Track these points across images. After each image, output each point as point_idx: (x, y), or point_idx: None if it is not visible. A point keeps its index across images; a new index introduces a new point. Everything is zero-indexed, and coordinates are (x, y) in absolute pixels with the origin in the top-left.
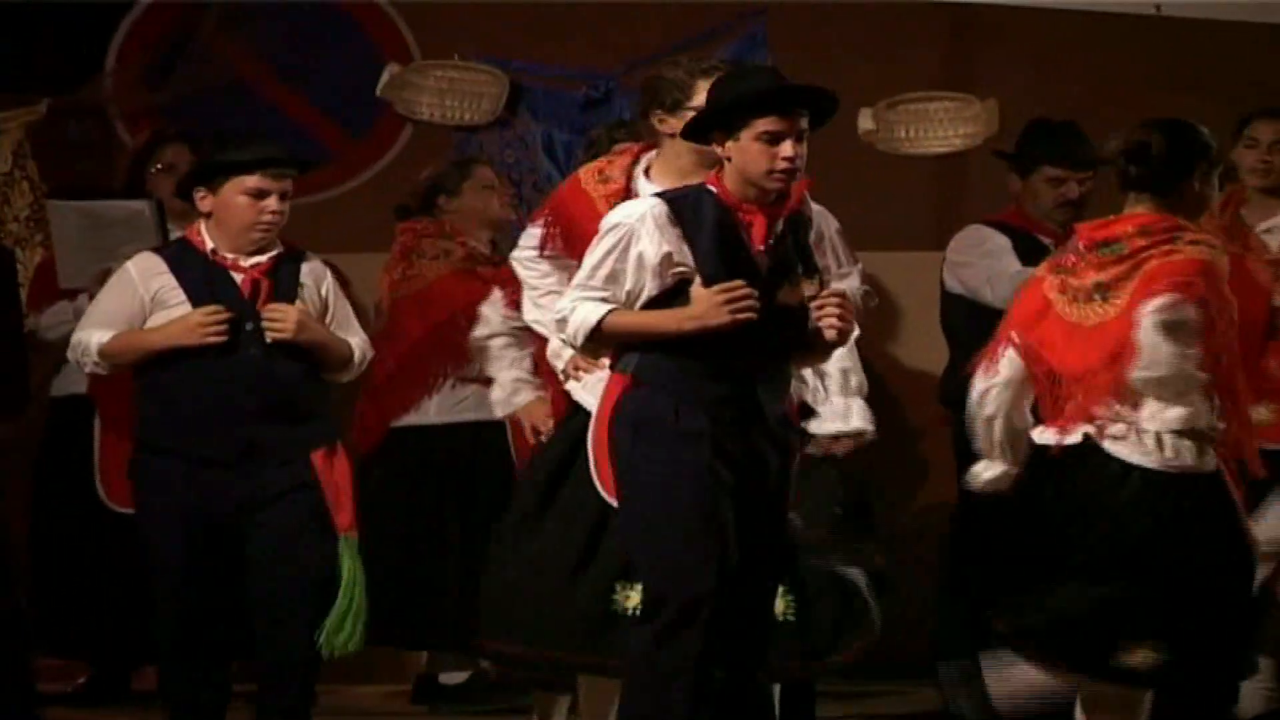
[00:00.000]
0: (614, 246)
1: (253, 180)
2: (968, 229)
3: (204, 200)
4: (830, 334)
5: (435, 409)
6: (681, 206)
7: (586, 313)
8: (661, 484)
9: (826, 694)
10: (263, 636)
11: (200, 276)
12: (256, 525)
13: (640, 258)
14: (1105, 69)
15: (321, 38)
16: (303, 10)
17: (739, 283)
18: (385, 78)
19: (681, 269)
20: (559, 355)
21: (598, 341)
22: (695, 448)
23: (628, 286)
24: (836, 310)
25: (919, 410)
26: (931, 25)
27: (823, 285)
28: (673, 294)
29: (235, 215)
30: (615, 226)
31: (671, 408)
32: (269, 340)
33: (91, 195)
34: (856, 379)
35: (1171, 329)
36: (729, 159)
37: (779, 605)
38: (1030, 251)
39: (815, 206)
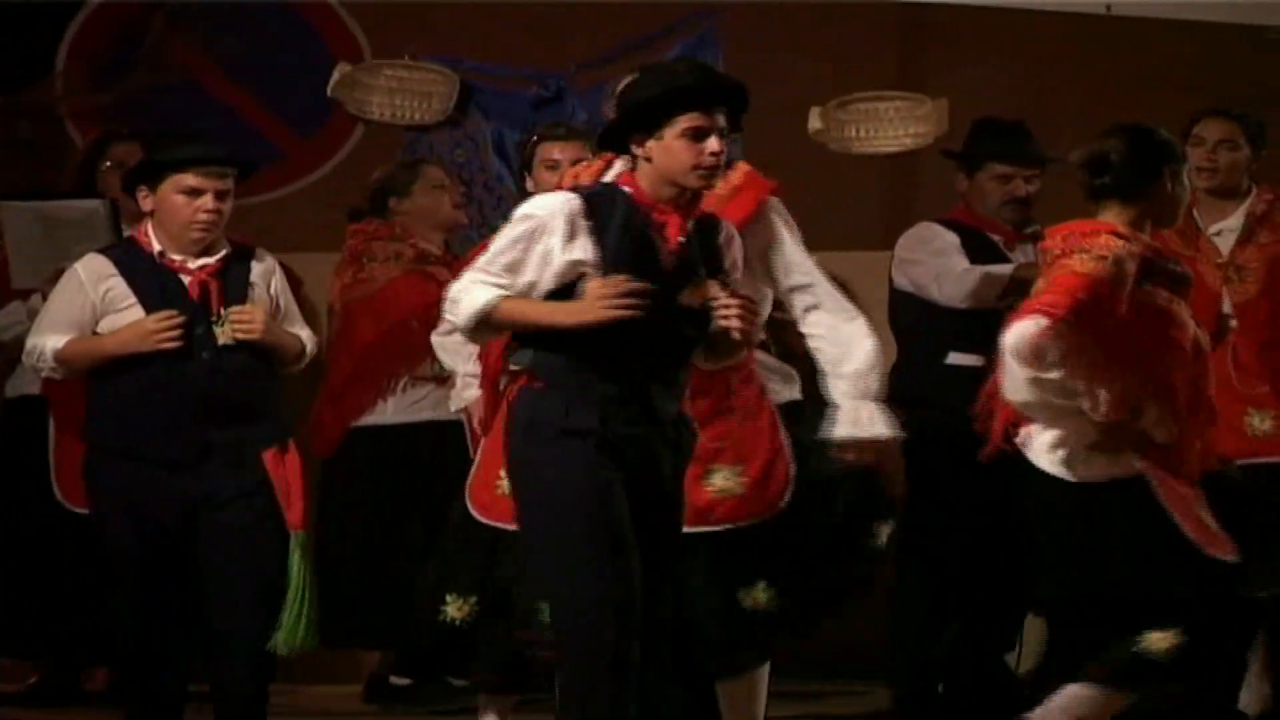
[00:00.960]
0: (521, 237)
1: (189, 178)
2: (917, 227)
3: (146, 199)
4: (735, 335)
5: (393, 409)
6: (596, 203)
7: (479, 296)
8: (551, 484)
9: (781, 694)
10: (216, 637)
11: (150, 279)
12: (209, 527)
13: (547, 252)
14: (1056, 68)
15: (272, 37)
16: (254, 10)
17: (622, 279)
18: (336, 77)
19: (585, 265)
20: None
21: (485, 326)
22: (583, 447)
23: (529, 278)
24: (738, 312)
25: None
26: (883, 25)
27: (726, 287)
28: (571, 289)
29: (173, 214)
30: (527, 217)
31: (562, 406)
32: (235, 341)
33: (44, 195)
34: (874, 383)
35: (1021, 355)
36: (648, 159)
37: (761, 598)
38: (980, 249)
39: (779, 216)
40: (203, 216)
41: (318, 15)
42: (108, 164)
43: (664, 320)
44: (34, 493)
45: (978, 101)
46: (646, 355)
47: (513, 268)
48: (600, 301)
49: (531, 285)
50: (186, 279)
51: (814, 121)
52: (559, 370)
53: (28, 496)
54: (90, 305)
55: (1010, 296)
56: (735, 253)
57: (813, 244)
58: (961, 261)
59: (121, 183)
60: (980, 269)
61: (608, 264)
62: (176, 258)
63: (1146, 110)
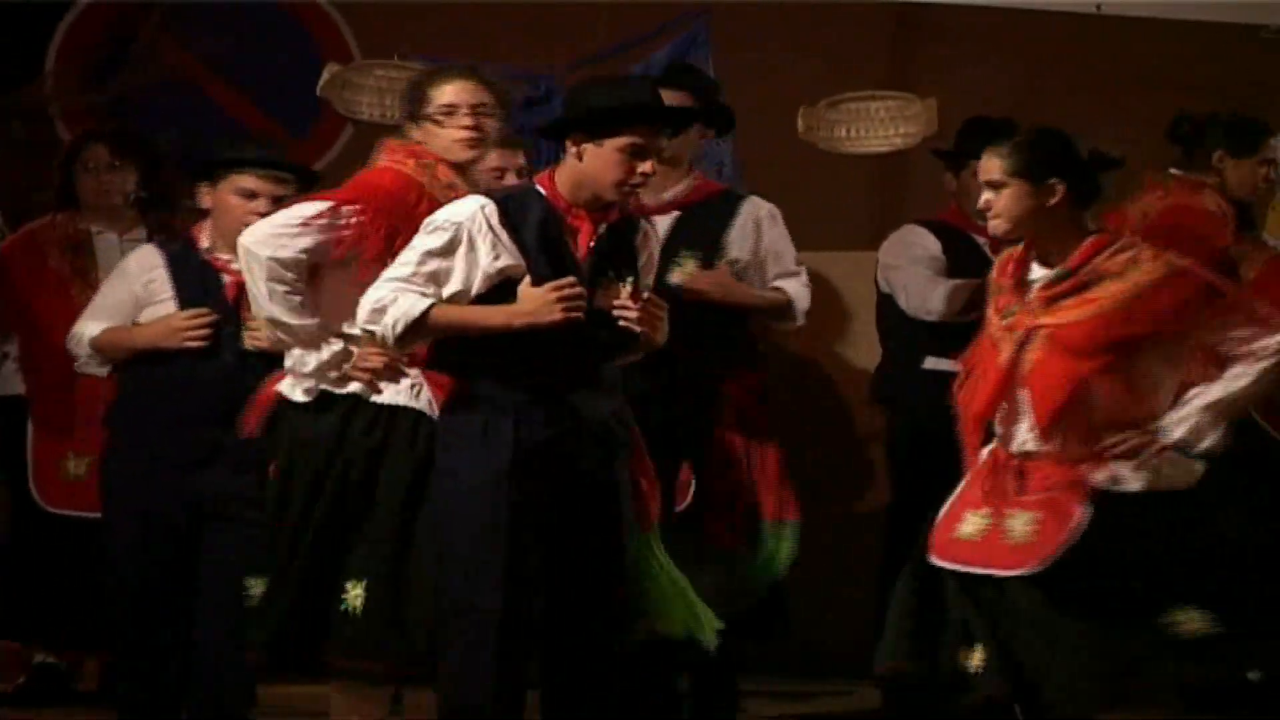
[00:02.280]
0: (442, 247)
1: (247, 180)
2: (901, 230)
3: (205, 196)
4: (644, 337)
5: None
6: (510, 206)
7: (410, 304)
8: (462, 490)
9: (767, 694)
10: (199, 642)
11: (194, 275)
12: (211, 530)
13: (472, 258)
14: (1047, 68)
15: (263, 37)
16: (244, 10)
17: (571, 280)
18: (326, 77)
19: (510, 270)
20: (305, 362)
21: (416, 335)
22: (496, 454)
23: (457, 287)
24: (636, 315)
25: (861, 411)
26: (874, 24)
27: (636, 290)
28: (497, 293)
29: (226, 212)
30: (443, 226)
31: (479, 412)
32: (246, 347)
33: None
34: None
35: None
36: (578, 160)
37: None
38: (966, 251)
39: (765, 208)
40: (250, 220)
41: (308, 15)
42: (86, 166)
43: (580, 323)
44: (16, 492)
45: (969, 101)
46: (564, 358)
47: (434, 278)
48: (555, 304)
49: (460, 294)
50: (227, 279)
51: (802, 120)
52: (476, 373)
53: (10, 496)
54: (132, 295)
55: (978, 309)
56: (652, 250)
57: (802, 244)
58: (928, 273)
59: (190, 175)
60: (947, 284)
61: (533, 265)
62: (223, 256)
63: (1138, 110)
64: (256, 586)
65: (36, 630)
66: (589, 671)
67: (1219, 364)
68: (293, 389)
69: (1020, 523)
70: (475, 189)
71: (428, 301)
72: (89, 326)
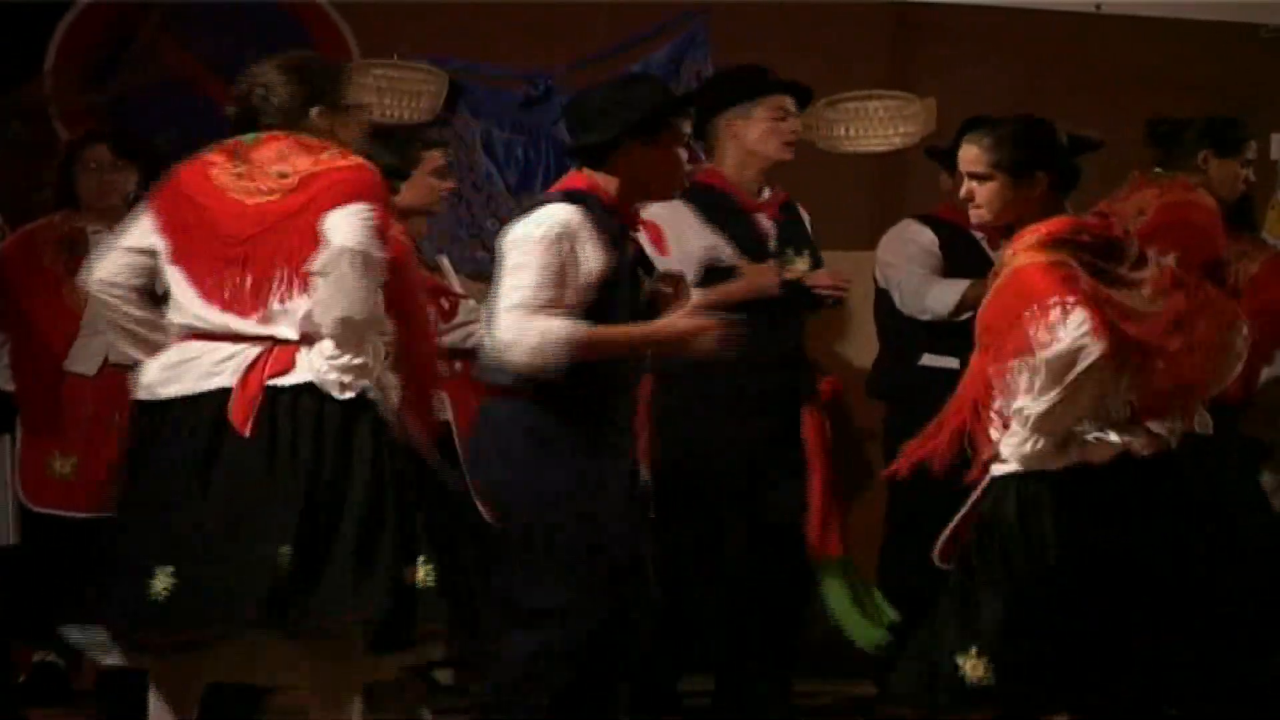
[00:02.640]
0: (556, 260)
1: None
2: (898, 225)
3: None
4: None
5: None
6: (591, 214)
7: (559, 329)
8: (563, 494)
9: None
10: None
11: None
12: None
13: (578, 268)
14: (1047, 68)
15: (262, 37)
16: (244, 10)
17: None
18: None
19: (603, 274)
20: None
21: (569, 358)
22: (591, 458)
23: (571, 301)
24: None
25: (860, 407)
26: (873, 24)
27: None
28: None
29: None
30: (555, 238)
31: (566, 419)
32: None
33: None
34: None
35: None
36: (628, 167)
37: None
38: (964, 246)
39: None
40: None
41: (307, 15)
42: (88, 166)
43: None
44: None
45: (968, 101)
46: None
47: (559, 294)
48: (708, 337)
49: (579, 303)
50: None
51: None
52: (553, 382)
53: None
54: None
55: (966, 311)
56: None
57: None
58: (923, 272)
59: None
60: (941, 284)
61: (621, 273)
62: None
63: (1137, 110)
64: None
65: (35, 629)
66: None
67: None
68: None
69: None
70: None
71: (576, 323)
72: None
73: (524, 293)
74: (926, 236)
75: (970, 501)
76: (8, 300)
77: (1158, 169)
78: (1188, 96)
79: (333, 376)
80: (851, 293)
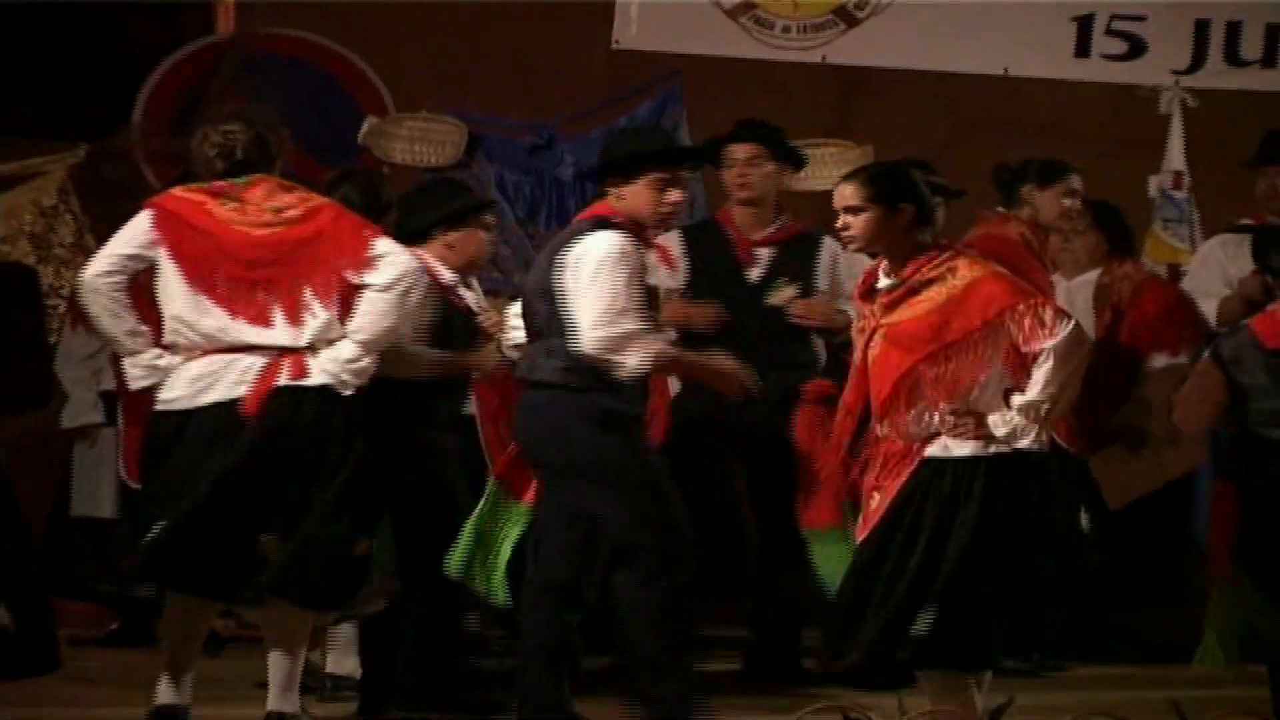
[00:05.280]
0: (633, 275)
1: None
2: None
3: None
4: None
5: None
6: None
7: (663, 347)
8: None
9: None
10: None
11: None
12: None
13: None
14: (964, 119)
15: (313, 94)
16: (298, 71)
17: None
18: (365, 128)
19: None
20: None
21: (654, 369)
22: (630, 433)
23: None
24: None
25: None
26: (821, 84)
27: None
28: None
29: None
30: (626, 256)
31: (608, 406)
32: None
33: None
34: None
35: None
36: (621, 199)
37: None
38: None
39: (837, 247)
40: None
41: (350, 75)
42: None
43: None
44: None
45: (899, 148)
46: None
47: (639, 305)
48: (744, 384)
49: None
50: None
51: None
52: (602, 378)
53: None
54: None
55: None
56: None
57: None
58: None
59: None
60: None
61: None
62: None
63: (1038, 155)
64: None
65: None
66: None
67: (1027, 370)
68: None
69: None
70: None
71: (664, 341)
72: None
73: (620, 302)
74: (867, 259)
75: (907, 478)
76: None
77: (1000, 208)
78: (1079, 144)
79: (346, 377)
80: None
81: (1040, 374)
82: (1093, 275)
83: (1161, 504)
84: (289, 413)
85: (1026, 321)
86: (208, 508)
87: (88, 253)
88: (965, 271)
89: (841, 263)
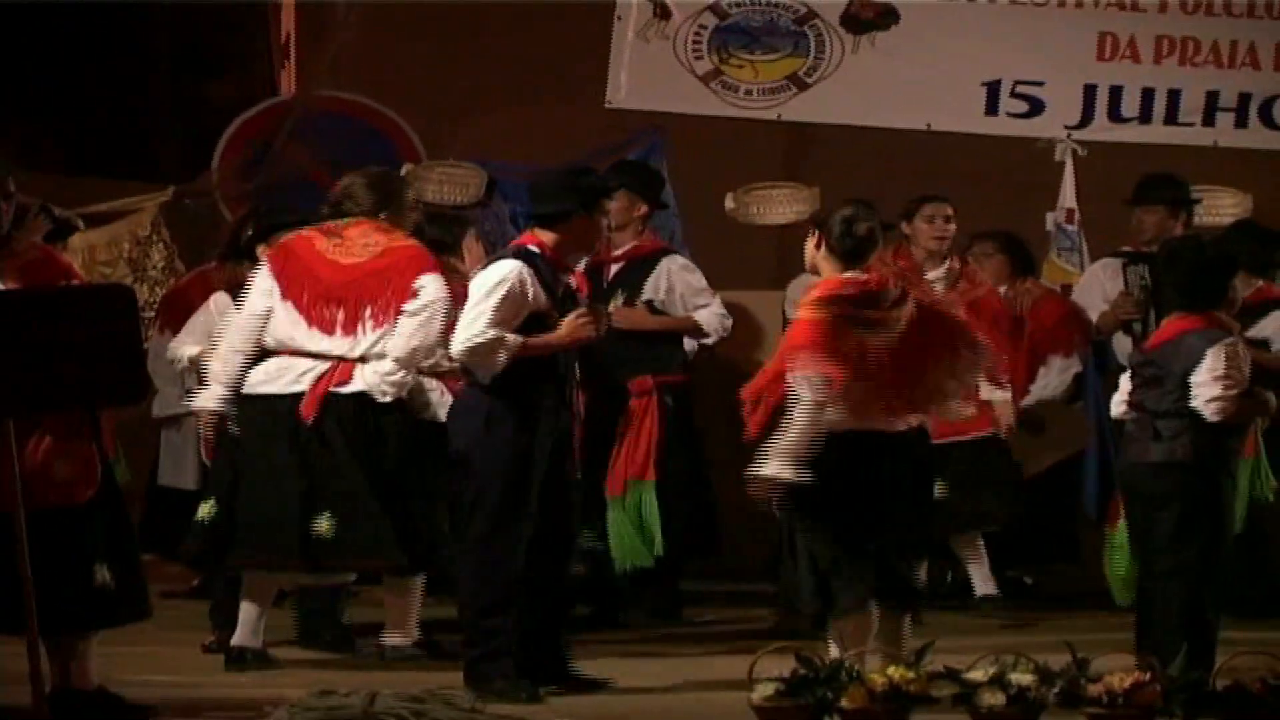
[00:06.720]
0: (509, 293)
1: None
2: (801, 277)
3: (264, 254)
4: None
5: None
6: (537, 264)
7: (508, 340)
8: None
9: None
10: None
11: None
12: None
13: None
14: (896, 168)
15: (359, 144)
16: (346, 126)
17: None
18: (402, 172)
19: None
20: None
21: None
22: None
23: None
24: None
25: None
26: (777, 136)
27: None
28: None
29: None
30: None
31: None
32: None
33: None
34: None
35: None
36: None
37: None
38: None
39: (679, 261)
40: None
41: (390, 129)
42: (249, 233)
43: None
44: None
45: (842, 190)
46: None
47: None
48: (584, 329)
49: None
50: None
51: (728, 203)
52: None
53: None
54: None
55: None
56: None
57: (727, 285)
58: None
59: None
60: None
61: (555, 304)
62: None
63: (957, 199)
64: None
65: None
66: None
67: None
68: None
69: None
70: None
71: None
72: (186, 348)
73: (485, 320)
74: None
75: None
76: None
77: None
78: (989, 187)
79: (385, 387)
80: (765, 319)
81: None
82: (1000, 290)
83: (1056, 478)
84: (333, 412)
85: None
86: (259, 491)
87: (177, 274)
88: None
89: (677, 276)
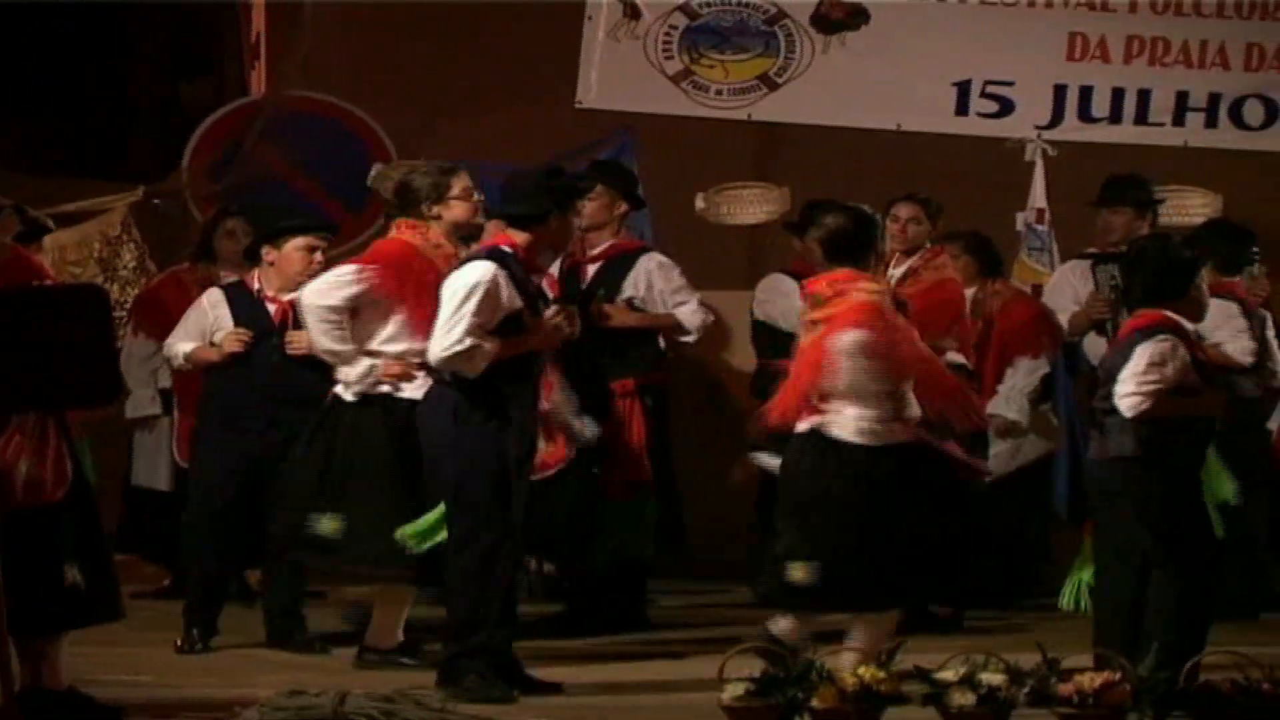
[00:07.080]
0: (485, 296)
1: (305, 240)
2: (769, 277)
3: (269, 254)
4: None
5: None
6: (509, 264)
7: (485, 347)
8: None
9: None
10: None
11: (246, 306)
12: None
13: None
14: (865, 168)
15: (330, 144)
16: (317, 125)
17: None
18: (373, 172)
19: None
20: (349, 376)
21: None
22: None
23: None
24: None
25: (742, 399)
26: (748, 136)
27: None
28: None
29: (291, 262)
30: (480, 282)
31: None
32: (288, 353)
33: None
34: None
35: (848, 353)
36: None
37: None
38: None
39: (656, 260)
40: (313, 267)
41: (360, 128)
42: (221, 232)
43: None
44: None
45: (811, 190)
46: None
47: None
48: (557, 331)
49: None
50: (273, 308)
51: (698, 203)
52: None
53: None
54: (206, 322)
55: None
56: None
57: (700, 284)
58: (789, 303)
59: (252, 242)
60: (794, 314)
61: (527, 304)
62: (270, 292)
63: (924, 195)
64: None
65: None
66: None
67: None
68: (344, 392)
69: None
70: (461, 249)
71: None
72: (180, 345)
73: (465, 323)
74: (788, 284)
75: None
76: (167, 320)
77: None
78: (959, 187)
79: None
80: (734, 318)
81: None
82: (969, 292)
83: (1026, 480)
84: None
85: None
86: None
87: (148, 274)
88: None
89: (656, 275)
